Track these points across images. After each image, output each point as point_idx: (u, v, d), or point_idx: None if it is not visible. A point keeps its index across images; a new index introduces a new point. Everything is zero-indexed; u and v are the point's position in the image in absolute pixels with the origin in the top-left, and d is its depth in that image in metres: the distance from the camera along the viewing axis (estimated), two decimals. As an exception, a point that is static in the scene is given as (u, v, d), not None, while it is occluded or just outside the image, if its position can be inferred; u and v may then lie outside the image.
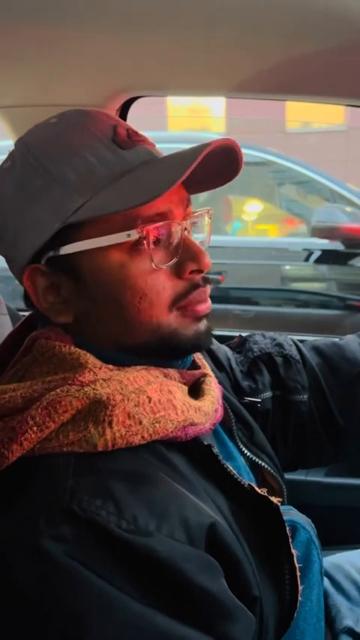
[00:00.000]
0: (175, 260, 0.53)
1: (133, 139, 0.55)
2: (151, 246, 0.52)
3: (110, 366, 0.52)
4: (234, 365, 0.75)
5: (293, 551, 0.54)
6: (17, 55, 0.86)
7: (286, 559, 0.53)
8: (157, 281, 0.53)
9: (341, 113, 7.81)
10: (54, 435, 0.48)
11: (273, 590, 0.52)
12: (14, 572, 0.44)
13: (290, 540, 0.54)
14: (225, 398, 0.65)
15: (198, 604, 0.45)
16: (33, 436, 0.47)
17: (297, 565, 0.53)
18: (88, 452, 0.48)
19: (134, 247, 0.52)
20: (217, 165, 0.55)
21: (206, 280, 0.56)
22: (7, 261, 0.58)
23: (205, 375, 0.61)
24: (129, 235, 0.51)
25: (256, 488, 0.55)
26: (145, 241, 0.51)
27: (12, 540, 0.45)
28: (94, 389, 0.49)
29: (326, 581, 0.81)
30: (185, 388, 0.56)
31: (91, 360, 0.52)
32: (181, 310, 0.54)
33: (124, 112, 1.03)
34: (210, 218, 0.60)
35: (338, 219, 2.76)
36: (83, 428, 0.48)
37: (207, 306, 0.56)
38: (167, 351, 0.55)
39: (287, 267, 2.97)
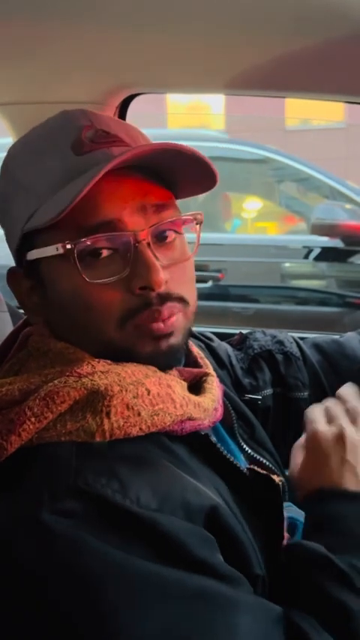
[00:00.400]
0: (123, 274, 0.50)
1: (97, 141, 0.53)
2: (83, 260, 0.50)
3: (108, 361, 0.52)
4: (234, 362, 0.75)
5: (285, 534, 0.55)
6: (17, 53, 0.86)
7: (280, 538, 0.54)
8: (103, 295, 0.51)
9: (341, 110, 7.80)
10: (52, 425, 0.48)
11: (273, 572, 0.53)
12: (18, 549, 0.44)
13: (285, 522, 0.55)
14: (226, 395, 0.65)
15: (201, 570, 0.45)
16: (31, 427, 0.47)
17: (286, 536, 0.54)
18: (86, 441, 0.48)
19: (79, 258, 0.50)
20: (192, 168, 0.53)
21: (164, 298, 0.51)
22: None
23: (207, 374, 0.60)
24: (57, 249, 0.50)
25: (257, 469, 0.56)
26: (71, 257, 0.50)
27: (16, 516, 0.45)
28: (92, 380, 0.49)
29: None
30: (185, 384, 0.56)
31: (87, 354, 0.52)
32: (137, 328, 0.51)
33: (123, 109, 1.03)
34: (199, 223, 0.56)
35: (338, 217, 2.76)
36: (81, 418, 0.48)
37: (165, 326, 0.52)
38: (138, 362, 0.53)
39: (287, 265, 2.97)
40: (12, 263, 0.59)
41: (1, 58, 0.88)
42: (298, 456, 0.61)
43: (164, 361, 0.54)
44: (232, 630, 0.43)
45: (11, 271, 0.58)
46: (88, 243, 0.50)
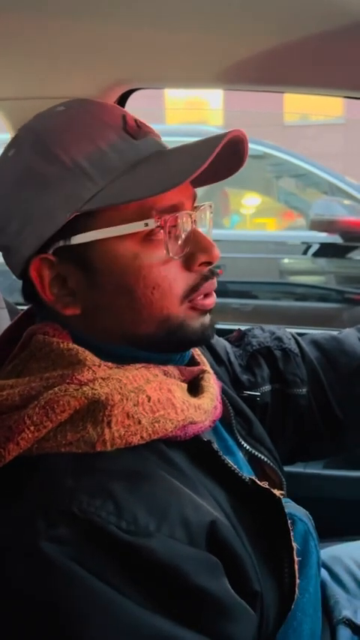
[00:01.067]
0: (185, 252, 0.54)
1: (142, 129, 0.55)
2: (168, 236, 0.52)
3: (109, 364, 0.52)
4: (233, 359, 0.75)
5: (294, 544, 0.54)
6: (14, 47, 0.86)
7: (285, 552, 0.54)
8: (169, 272, 0.53)
9: (340, 106, 7.79)
10: (52, 435, 0.47)
11: (272, 583, 0.52)
12: (11, 573, 0.44)
13: (291, 533, 0.54)
14: (224, 392, 0.65)
15: (197, 605, 0.45)
16: (30, 435, 0.46)
17: (296, 559, 0.54)
18: (87, 452, 0.47)
19: (148, 238, 0.52)
20: (219, 158, 0.54)
21: (213, 272, 0.56)
22: (6, 253, 0.56)
23: (204, 371, 0.60)
24: (146, 224, 0.51)
25: (258, 482, 0.55)
26: (162, 231, 0.51)
27: (10, 540, 0.45)
28: (92, 388, 0.48)
29: (324, 572, 0.82)
30: (184, 386, 0.56)
31: (89, 357, 0.52)
32: (191, 303, 0.54)
33: (121, 104, 1.02)
34: (211, 213, 0.60)
35: (336, 213, 2.76)
36: (81, 428, 0.47)
37: (214, 299, 0.56)
38: (173, 343, 0.55)
39: (285, 261, 2.97)
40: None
41: (-1, 53, 0.88)
42: None
43: (209, 335, 0.56)
44: None
45: (41, 260, 0.53)
46: (176, 221, 0.52)
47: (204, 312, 0.55)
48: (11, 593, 0.44)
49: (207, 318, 0.56)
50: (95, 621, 0.42)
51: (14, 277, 0.58)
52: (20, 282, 0.57)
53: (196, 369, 0.60)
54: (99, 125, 0.53)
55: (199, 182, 0.57)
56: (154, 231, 0.51)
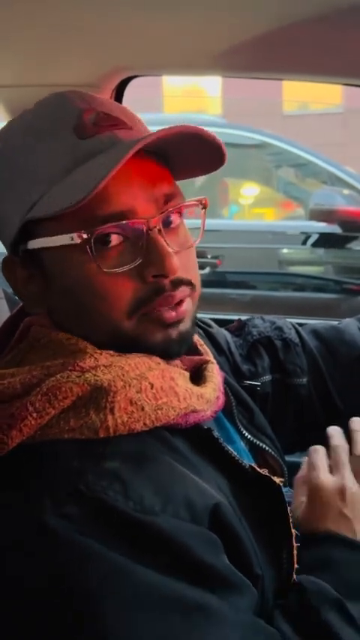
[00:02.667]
0: (135, 263, 0.50)
1: (100, 124, 0.51)
2: (98, 250, 0.49)
3: (111, 352, 0.51)
4: (233, 349, 0.75)
5: (293, 531, 0.54)
6: (12, 35, 0.85)
7: (284, 538, 0.54)
8: (114, 285, 0.50)
9: (339, 94, 7.74)
10: (55, 422, 0.47)
11: (271, 569, 0.53)
12: (21, 551, 0.44)
13: (291, 520, 0.54)
14: (225, 381, 0.65)
15: (205, 577, 0.45)
16: (32, 422, 0.46)
17: (295, 544, 0.54)
18: (90, 438, 0.47)
19: (91, 248, 0.49)
20: (200, 150, 0.52)
21: (177, 284, 0.51)
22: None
23: (207, 361, 0.60)
24: (72, 239, 0.49)
25: (258, 469, 0.55)
26: (87, 246, 0.48)
27: (18, 521, 0.45)
28: (94, 375, 0.48)
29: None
30: (187, 374, 0.56)
31: (89, 346, 0.51)
32: (146, 316, 0.51)
33: (119, 92, 1.01)
34: (204, 208, 0.56)
35: (336, 202, 2.74)
36: (84, 414, 0.47)
37: (177, 313, 0.52)
38: (143, 352, 0.52)
39: (284, 251, 2.96)
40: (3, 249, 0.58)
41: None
42: (299, 494, 0.61)
43: (176, 349, 0.53)
44: None
45: (6, 260, 0.56)
46: (103, 232, 0.49)
47: (165, 325, 0.51)
48: (23, 572, 0.44)
49: (173, 332, 0.52)
50: (110, 592, 0.42)
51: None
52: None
53: (197, 358, 0.59)
54: (50, 126, 0.52)
55: (182, 174, 0.55)
56: (94, 244, 0.49)
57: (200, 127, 0.50)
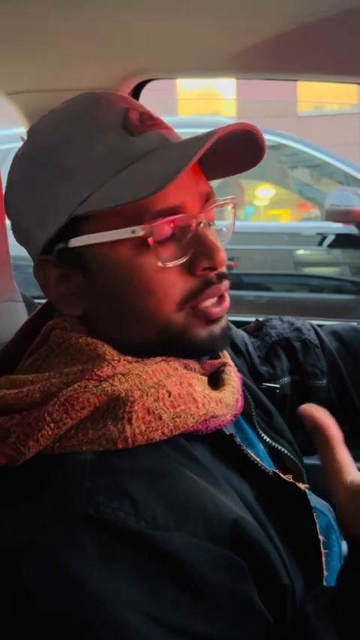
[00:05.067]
0: (187, 257, 0.51)
1: (146, 123, 0.52)
2: (157, 243, 0.49)
3: (129, 358, 0.51)
4: (251, 350, 0.74)
5: (320, 537, 0.53)
6: (28, 42, 0.85)
7: (312, 545, 0.53)
8: (166, 279, 0.50)
9: (354, 94, 7.68)
10: (73, 434, 0.47)
11: (301, 576, 0.52)
12: (26, 578, 0.43)
13: (317, 526, 0.53)
14: (244, 384, 0.64)
15: (214, 603, 0.44)
16: (50, 432, 0.46)
17: (323, 551, 0.53)
18: (108, 449, 0.47)
19: (141, 243, 0.50)
20: (236, 149, 0.52)
21: (221, 277, 0.53)
22: (25, 247, 0.58)
23: (224, 364, 0.59)
24: (133, 232, 0.49)
25: (282, 475, 0.54)
26: (150, 238, 0.49)
27: (26, 544, 0.44)
28: (112, 384, 0.48)
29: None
30: (205, 379, 0.55)
31: (108, 351, 0.51)
32: (193, 310, 0.51)
33: (135, 95, 1.02)
34: (234, 207, 0.57)
35: (352, 203, 2.72)
36: (102, 425, 0.47)
37: (222, 308, 0.53)
38: (179, 352, 0.53)
39: (300, 252, 2.95)
40: (22, 252, 0.58)
41: (13, 47, 0.87)
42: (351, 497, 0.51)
43: (222, 344, 0.54)
44: None
45: (42, 260, 0.54)
46: (162, 226, 0.50)
47: (210, 321, 0.52)
48: (23, 599, 0.43)
49: (216, 328, 0.53)
50: (104, 635, 0.42)
51: (30, 271, 0.58)
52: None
53: (217, 361, 0.59)
54: (95, 124, 0.52)
55: (215, 174, 0.56)
56: (146, 239, 0.49)
57: (254, 125, 0.51)
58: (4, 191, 0.58)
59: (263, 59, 0.86)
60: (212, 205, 0.54)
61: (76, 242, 0.52)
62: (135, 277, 0.50)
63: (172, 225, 0.50)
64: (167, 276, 0.50)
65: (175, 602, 0.43)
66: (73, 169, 0.51)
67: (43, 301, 0.63)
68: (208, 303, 0.52)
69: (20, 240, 0.57)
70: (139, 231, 0.49)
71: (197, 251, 0.51)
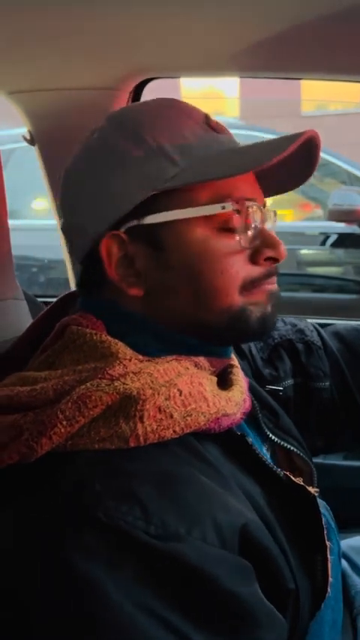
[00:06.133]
0: (255, 244, 0.54)
1: (221, 126, 0.57)
2: (244, 222, 0.53)
3: (140, 357, 0.51)
4: (254, 352, 0.74)
5: (327, 542, 0.53)
6: (29, 40, 0.85)
7: (318, 550, 0.53)
8: (236, 260, 0.53)
9: (358, 93, 7.66)
10: (85, 432, 0.47)
11: (306, 580, 0.52)
12: (31, 577, 0.43)
13: (325, 531, 0.53)
14: (249, 386, 0.64)
15: (226, 610, 0.44)
16: (62, 430, 0.46)
17: (329, 557, 0.53)
18: (120, 448, 0.47)
19: (221, 224, 0.52)
20: (291, 164, 0.55)
21: (276, 270, 0.57)
22: (74, 233, 0.57)
23: (232, 365, 0.60)
24: (223, 207, 0.52)
25: (292, 477, 0.54)
26: (238, 216, 0.52)
27: (34, 544, 0.44)
28: (124, 383, 0.48)
29: (344, 563, 0.81)
30: (214, 379, 0.55)
31: (121, 349, 0.51)
32: (254, 293, 0.54)
33: (137, 94, 1.02)
34: (275, 217, 0.60)
35: (355, 202, 2.71)
36: (114, 424, 0.47)
37: (277, 288, 0.57)
38: (234, 334, 0.55)
39: (303, 252, 2.94)
40: (24, 252, 0.57)
41: (14, 47, 0.87)
42: None
43: (270, 324, 0.56)
44: None
45: (111, 236, 0.53)
46: (250, 210, 0.53)
47: (267, 297, 0.55)
48: (29, 598, 0.43)
49: (269, 307, 0.56)
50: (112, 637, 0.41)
51: (33, 271, 0.58)
52: (39, 276, 0.57)
53: (225, 360, 0.59)
54: (184, 117, 0.55)
55: (269, 191, 0.59)
56: (228, 219, 0.52)
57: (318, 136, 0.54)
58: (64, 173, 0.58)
59: (266, 57, 0.86)
60: (267, 208, 0.57)
61: (153, 219, 0.53)
62: (211, 255, 0.52)
63: (251, 210, 0.54)
64: (238, 259, 0.53)
65: (185, 607, 0.43)
66: (162, 149, 0.53)
67: (46, 300, 0.62)
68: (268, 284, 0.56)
69: (77, 219, 0.56)
70: (229, 206, 0.52)
71: (264, 241, 0.55)
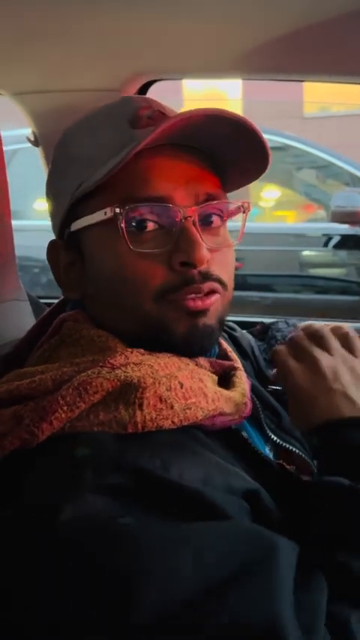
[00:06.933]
0: (165, 248, 0.51)
1: (154, 118, 0.54)
2: (131, 227, 0.50)
3: (141, 350, 0.51)
4: (257, 353, 0.74)
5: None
6: (34, 42, 0.86)
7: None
8: (139, 267, 0.51)
9: (360, 95, 7.65)
10: (84, 415, 0.47)
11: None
12: (59, 526, 0.43)
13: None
14: (252, 386, 0.64)
15: (247, 542, 0.45)
16: (63, 415, 0.47)
17: None
18: (118, 433, 0.47)
19: (116, 228, 0.51)
20: (246, 156, 0.54)
21: (205, 277, 0.52)
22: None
23: (235, 368, 0.60)
24: (105, 213, 0.51)
25: (286, 466, 0.55)
26: (121, 219, 0.50)
27: (57, 495, 0.44)
28: (125, 371, 0.48)
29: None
30: (215, 378, 0.56)
31: (119, 344, 0.52)
32: (171, 304, 0.51)
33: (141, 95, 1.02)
34: (245, 212, 0.57)
35: (358, 204, 2.71)
36: (114, 409, 0.47)
37: (202, 302, 0.51)
38: (157, 346, 0.52)
39: (306, 253, 2.94)
40: (26, 253, 0.59)
41: (19, 48, 0.88)
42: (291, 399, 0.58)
43: (199, 342, 0.52)
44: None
45: (51, 245, 0.58)
46: (137, 211, 0.51)
47: (190, 313, 0.51)
48: (59, 547, 0.43)
49: (199, 322, 0.52)
50: (152, 567, 0.41)
51: (35, 271, 0.59)
52: (41, 277, 0.59)
53: (227, 363, 0.59)
54: (108, 118, 0.56)
55: (229, 186, 0.57)
56: (126, 225, 0.50)
57: (221, 108, 0.50)
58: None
59: (269, 60, 0.86)
60: (210, 205, 0.53)
61: (75, 225, 0.55)
62: (113, 262, 0.52)
63: (152, 213, 0.51)
64: (141, 264, 0.51)
65: (207, 536, 0.44)
66: (80, 156, 0.55)
67: (49, 301, 0.63)
68: (188, 297, 0.51)
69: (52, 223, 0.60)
70: (110, 212, 0.51)
71: (176, 245, 0.51)
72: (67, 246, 0.56)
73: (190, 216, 0.51)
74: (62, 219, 0.56)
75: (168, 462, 0.46)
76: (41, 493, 0.45)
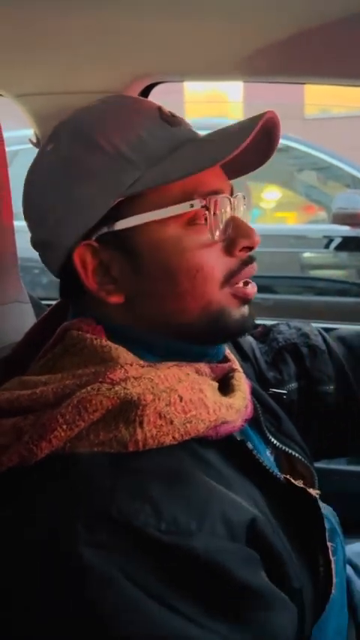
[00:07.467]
0: (227, 236, 0.54)
1: (177, 118, 0.56)
2: (213, 217, 0.52)
3: (141, 362, 0.51)
4: (258, 355, 0.74)
5: (329, 544, 0.53)
6: (36, 44, 0.86)
7: (320, 551, 0.53)
8: (211, 256, 0.53)
9: (361, 97, 7.65)
10: (84, 434, 0.47)
11: (309, 582, 0.52)
12: (45, 576, 0.43)
13: (327, 533, 0.53)
14: (252, 389, 0.64)
15: (238, 598, 0.45)
16: (62, 434, 0.46)
17: (332, 558, 0.53)
18: (119, 452, 0.47)
19: (191, 221, 0.52)
20: (250, 146, 0.54)
21: (252, 258, 0.56)
22: (45, 247, 0.56)
23: (234, 370, 0.60)
24: (192, 205, 0.51)
25: (292, 481, 0.55)
26: (207, 212, 0.52)
27: (45, 544, 0.44)
28: (124, 388, 0.48)
29: (349, 569, 0.81)
30: (216, 385, 0.55)
31: (122, 354, 0.51)
32: (231, 290, 0.54)
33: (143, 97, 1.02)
34: (244, 205, 0.59)
35: (359, 206, 2.71)
36: (114, 428, 0.47)
37: (255, 289, 0.56)
38: (214, 333, 0.55)
39: (307, 255, 2.94)
40: (27, 254, 0.58)
41: (22, 50, 0.88)
42: None
43: (250, 325, 0.56)
44: None
45: (84, 246, 0.53)
46: (217, 203, 0.52)
47: (245, 301, 0.55)
48: (42, 596, 0.43)
49: (247, 309, 0.56)
50: (124, 630, 0.42)
51: (35, 272, 0.58)
52: (41, 277, 0.58)
53: (227, 365, 0.59)
54: (136, 115, 0.54)
55: (232, 173, 0.57)
56: (198, 215, 0.52)
57: (277, 115, 0.54)
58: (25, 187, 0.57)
59: (270, 62, 0.86)
60: (235, 196, 0.57)
61: (122, 224, 0.52)
62: (185, 254, 0.52)
63: (219, 203, 0.53)
64: (212, 253, 0.53)
65: (200, 599, 0.43)
66: (119, 153, 0.52)
67: (50, 302, 0.63)
68: (242, 284, 0.55)
69: (47, 234, 0.55)
70: (197, 204, 0.51)
71: (236, 231, 0.54)
72: (103, 246, 0.53)
73: (236, 205, 0.55)
74: (97, 220, 0.52)
75: (161, 505, 0.44)
76: (30, 530, 0.45)
